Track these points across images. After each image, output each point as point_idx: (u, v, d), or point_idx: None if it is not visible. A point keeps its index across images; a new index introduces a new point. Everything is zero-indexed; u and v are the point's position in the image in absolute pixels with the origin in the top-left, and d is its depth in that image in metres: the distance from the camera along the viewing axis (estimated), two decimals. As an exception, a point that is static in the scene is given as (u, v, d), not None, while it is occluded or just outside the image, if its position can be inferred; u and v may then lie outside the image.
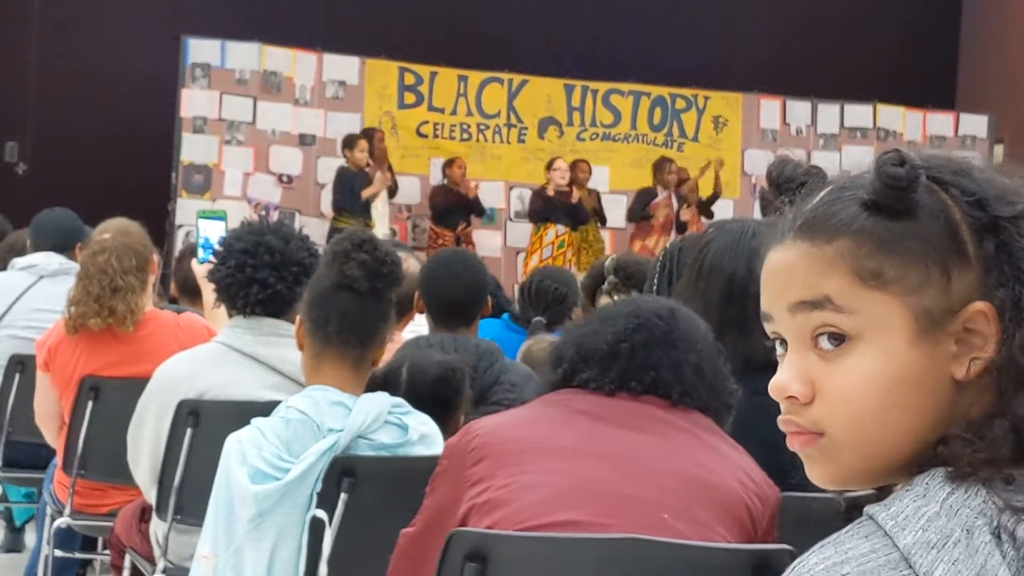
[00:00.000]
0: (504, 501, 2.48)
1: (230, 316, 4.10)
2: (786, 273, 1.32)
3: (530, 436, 2.58)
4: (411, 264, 5.13)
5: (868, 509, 1.25)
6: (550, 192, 13.46)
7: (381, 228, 12.68)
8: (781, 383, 1.31)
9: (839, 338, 1.28)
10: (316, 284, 3.42)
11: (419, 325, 5.15)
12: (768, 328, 1.35)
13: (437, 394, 3.60)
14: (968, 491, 1.22)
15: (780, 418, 1.33)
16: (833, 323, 1.28)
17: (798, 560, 1.25)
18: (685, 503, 2.53)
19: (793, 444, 1.33)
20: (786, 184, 1.40)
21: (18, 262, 6.19)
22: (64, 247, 6.18)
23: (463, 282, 4.58)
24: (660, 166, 14.05)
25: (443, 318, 4.54)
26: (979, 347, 1.26)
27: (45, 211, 6.48)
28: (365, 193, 12.87)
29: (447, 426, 3.53)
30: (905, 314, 1.26)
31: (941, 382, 1.27)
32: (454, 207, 13.60)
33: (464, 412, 3.72)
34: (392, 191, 13.54)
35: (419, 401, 3.49)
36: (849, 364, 1.27)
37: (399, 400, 3.39)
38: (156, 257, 5.14)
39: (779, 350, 1.34)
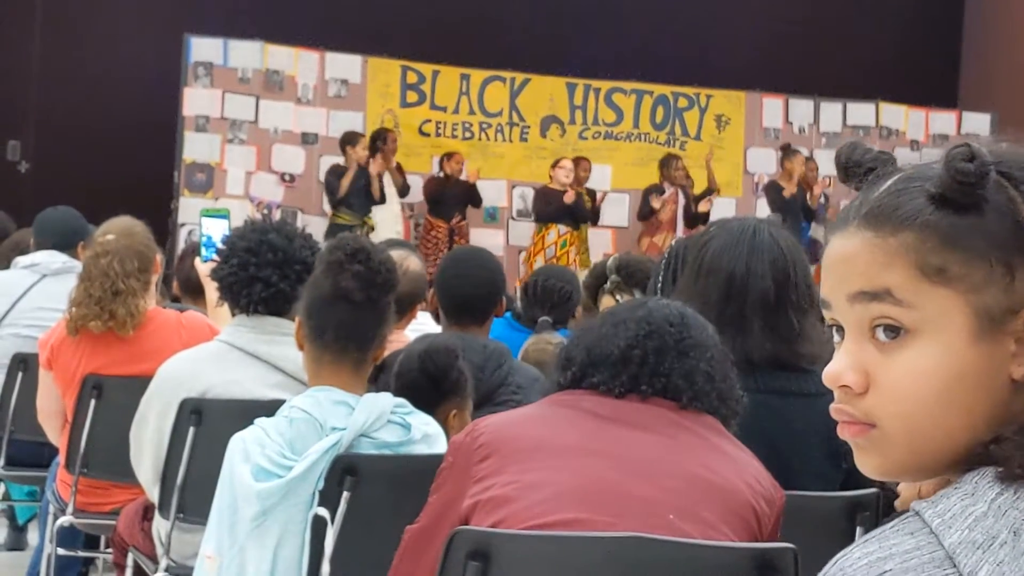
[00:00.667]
0: (510, 498, 2.48)
1: (233, 315, 4.10)
2: (848, 262, 1.30)
3: (536, 434, 2.59)
4: (412, 263, 5.13)
5: (915, 505, 1.23)
6: (554, 188, 13.44)
7: (390, 229, 12.65)
8: (836, 371, 1.30)
9: (896, 330, 1.27)
10: (312, 291, 3.42)
11: (421, 324, 5.15)
12: (826, 315, 1.34)
13: (422, 369, 3.62)
14: (1018, 493, 1.20)
15: (833, 406, 1.32)
16: (892, 316, 1.27)
17: (841, 553, 1.23)
18: (691, 504, 2.53)
19: (844, 433, 1.32)
20: (854, 169, 1.37)
21: (21, 260, 6.19)
22: (67, 246, 6.18)
23: (477, 281, 4.57)
24: (667, 162, 14.05)
25: (455, 316, 4.53)
26: None
27: (48, 210, 6.48)
28: (343, 183, 12.81)
29: (436, 408, 3.55)
30: (967, 311, 1.25)
31: (998, 381, 1.25)
32: (447, 197, 13.57)
33: (463, 408, 3.72)
34: (404, 191, 13.53)
35: (405, 378, 3.52)
36: (906, 358, 1.26)
37: (402, 400, 3.40)
38: (159, 257, 5.14)
39: (836, 338, 1.33)
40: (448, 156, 13.78)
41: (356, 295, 3.32)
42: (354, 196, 12.89)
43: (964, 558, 1.17)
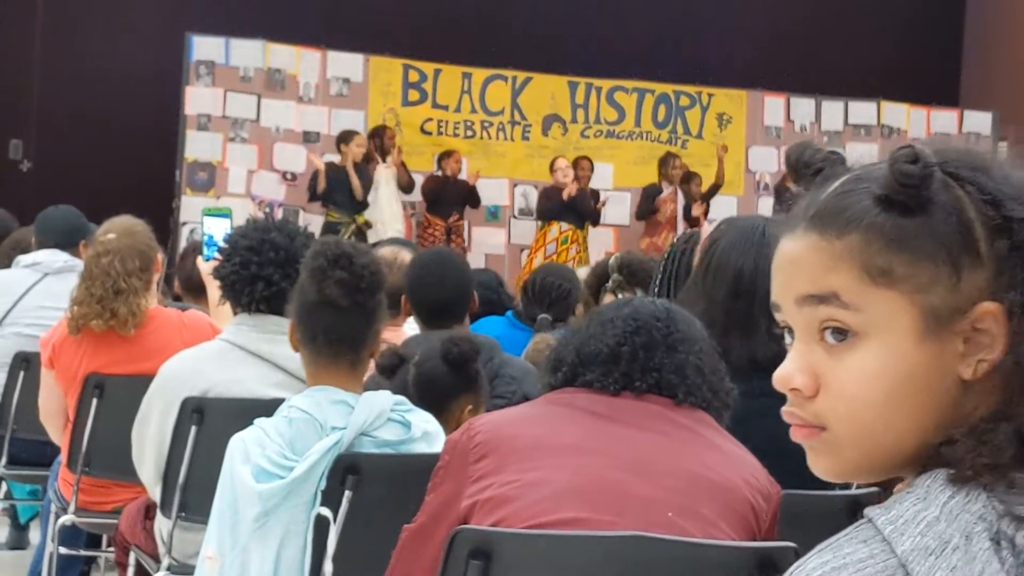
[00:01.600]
0: (509, 498, 2.48)
1: (235, 313, 4.10)
2: (795, 264, 1.30)
3: (534, 433, 2.59)
4: (404, 257, 5.17)
5: (868, 511, 1.23)
6: (573, 192, 13.44)
7: (391, 228, 12.65)
8: (786, 374, 1.30)
9: (844, 333, 1.27)
10: (299, 297, 3.42)
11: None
12: (777, 317, 1.34)
13: (446, 357, 3.65)
14: (969, 495, 1.19)
15: (784, 409, 1.32)
16: (839, 319, 1.26)
17: (797, 563, 1.23)
18: (690, 501, 2.53)
19: (796, 436, 1.32)
20: (803, 170, 1.37)
21: (23, 259, 6.20)
22: (68, 244, 6.18)
23: (448, 284, 4.61)
24: (665, 161, 14.06)
25: (433, 320, 4.57)
26: (987, 347, 1.24)
27: (49, 208, 6.48)
28: (320, 183, 12.84)
29: (454, 400, 3.56)
30: (913, 312, 1.24)
31: (947, 382, 1.25)
32: (444, 196, 13.56)
33: (478, 406, 3.73)
34: (407, 188, 13.53)
35: (427, 368, 3.54)
36: (854, 360, 1.26)
37: (401, 398, 3.40)
38: (160, 256, 5.14)
39: (787, 339, 1.33)
40: (447, 155, 13.77)
41: (342, 301, 3.32)
42: (339, 194, 12.88)
43: (917, 565, 1.16)
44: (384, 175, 13.18)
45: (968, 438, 1.22)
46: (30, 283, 6.03)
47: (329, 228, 12.31)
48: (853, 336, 1.26)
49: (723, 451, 2.65)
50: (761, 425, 3.21)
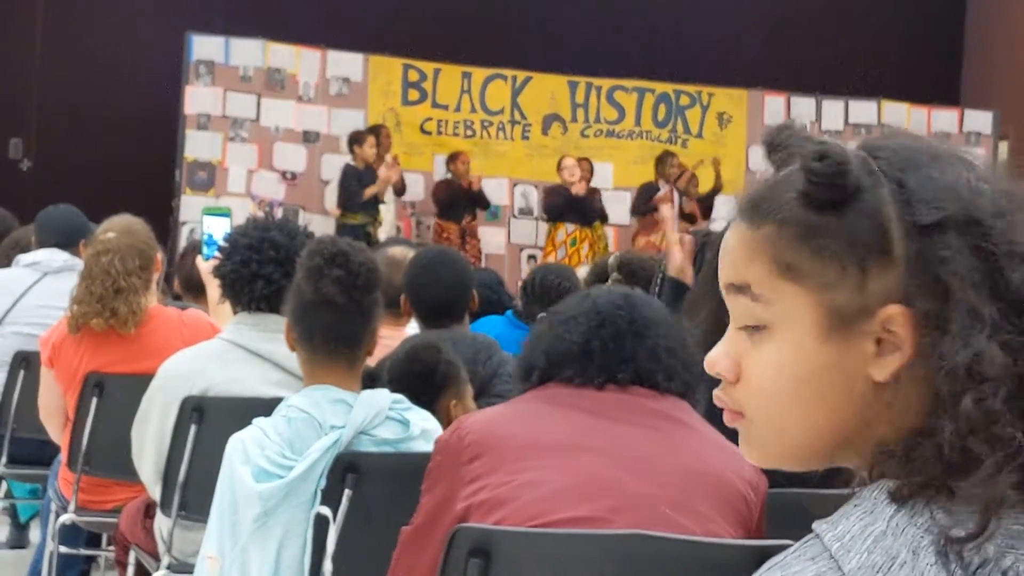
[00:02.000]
0: (505, 500, 2.48)
1: (235, 312, 4.10)
2: (726, 253, 1.29)
3: (525, 432, 2.58)
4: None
5: (816, 526, 1.22)
6: (581, 190, 13.43)
7: (389, 228, 12.66)
8: (712, 359, 1.30)
9: (758, 326, 1.26)
10: (296, 296, 3.42)
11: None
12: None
13: (407, 368, 3.64)
14: (915, 508, 1.17)
15: (714, 392, 1.31)
16: (752, 311, 1.26)
17: None
18: (685, 497, 2.54)
19: (725, 419, 1.31)
20: (771, 152, 1.33)
21: (23, 259, 6.19)
22: (68, 244, 6.17)
23: (447, 283, 4.60)
24: (662, 160, 14.04)
25: (433, 319, 4.56)
26: (898, 350, 1.21)
27: (49, 207, 6.47)
28: (368, 192, 12.86)
29: (434, 404, 3.56)
30: (817, 310, 1.22)
31: (856, 382, 1.22)
32: (458, 201, 13.58)
33: (462, 396, 3.72)
34: (400, 189, 13.54)
35: (393, 373, 3.54)
36: (764, 352, 1.25)
37: (399, 396, 3.40)
38: (160, 255, 5.14)
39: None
40: (454, 157, 13.76)
41: (338, 299, 3.32)
42: (359, 196, 12.89)
43: None
44: (381, 172, 13.16)
45: (897, 454, 1.20)
46: (30, 282, 6.03)
47: (348, 232, 12.18)
48: (764, 328, 1.25)
49: (713, 443, 2.66)
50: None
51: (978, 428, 1.16)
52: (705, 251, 3.65)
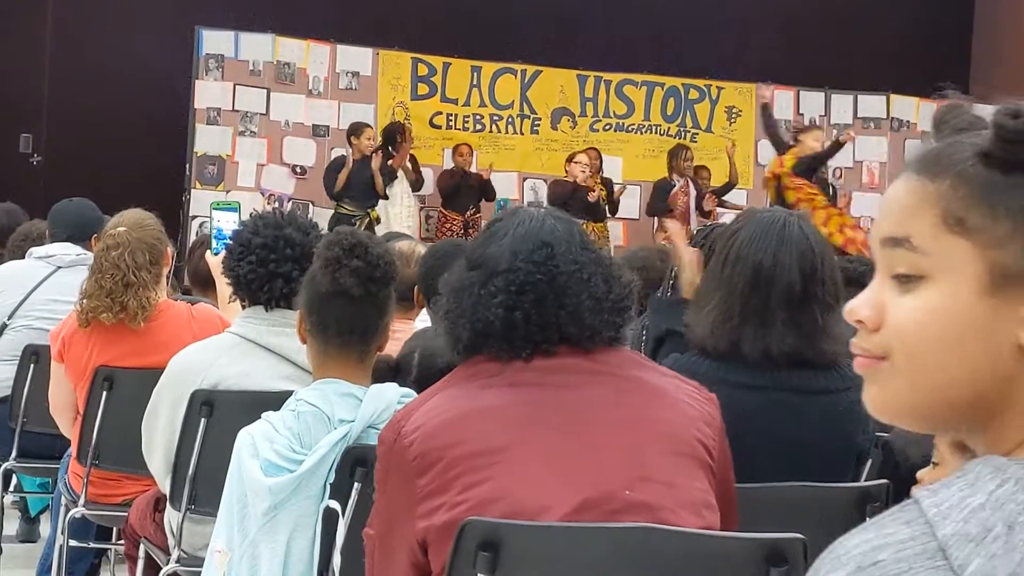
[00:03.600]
0: (463, 521, 2.44)
1: (243, 307, 4.11)
2: (888, 205, 1.31)
3: (469, 436, 2.50)
4: (420, 252, 5.15)
5: (916, 492, 1.22)
6: (567, 180, 13.39)
7: (403, 224, 12.63)
8: (853, 306, 1.32)
9: (911, 277, 1.28)
10: (311, 287, 3.41)
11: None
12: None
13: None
14: (1018, 484, 1.17)
15: (851, 341, 1.33)
16: (908, 259, 1.28)
17: (842, 538, 1.22)
18: (645, 464, 2.50)
19: (857, 366, 1.32)
20: (938, 127, 1.36)
21: (36, 251, 6.19)
22: (81, 238, 6.16)
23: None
24: (675, 153, 13.99)
25: None
26: None
27: (64, 201, 6.45)
28: (340, 177, 12.75)
29: None
30: (981, 265, 1.24)
31: (1004, 344, 1.23)
32: (462, 189, 13.55)
33: None
34: (416, 185, 13.53)
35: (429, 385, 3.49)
36: (917, 298, 1.27)
37: (408, 390, 3.40)
38: (170, 249, 5.15)
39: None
40: (456, 148, 13.78)
41: (355, 290, 3.32)
42: (356, 187, 12.85)
43: (956, 551, 1.15)
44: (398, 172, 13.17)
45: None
46: (42, 276, 6.03)
47: (340, 220, 12.21)
48: (920, 279, 1.27)
49: (656, 391, 2.61)
50: (771, 418, 3.22)
51: None
52: (714, 244, 3.64)
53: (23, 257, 6.29)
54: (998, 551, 1.14)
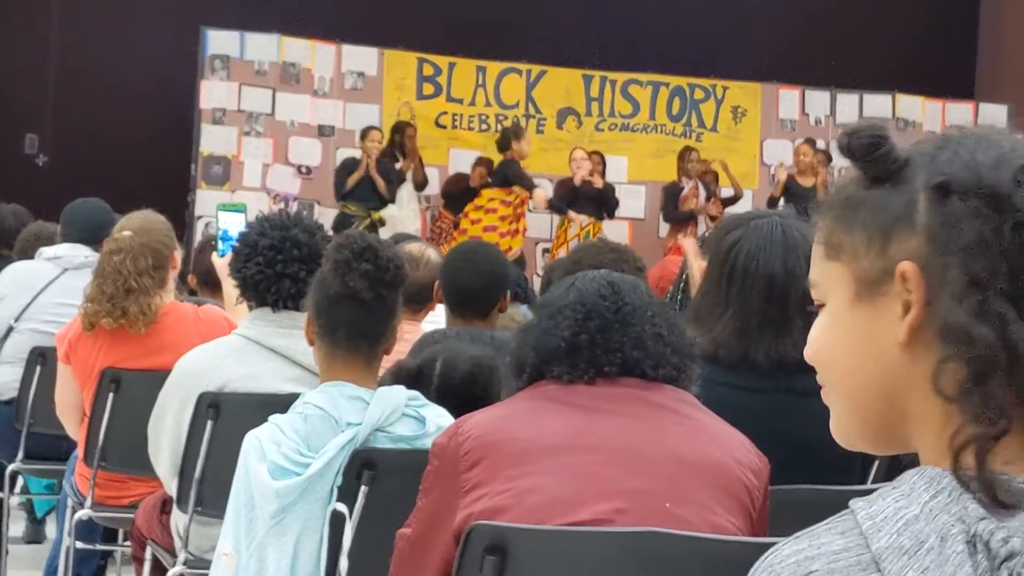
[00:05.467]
0: (504, 508, 2.47)
1: (250, 309, 4.11)
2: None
3: (522, 436, 2.57)
4: (430, 254, 5.14)
5: (852, 503, 1.23)
6: (576, 182, 13.39)
7: (409, 226, 12.62)
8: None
9: (819, 306, 1.35)
10: (320, 288, 3.41)
11: (439, 315, 5.16)
12: None
13: (467, 391, 3.58)
14: (951, 496, 1.18)
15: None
16: (815, 296, 1.35)
17: (774, 547, 1.23)
18: (683, 488, 2.54)
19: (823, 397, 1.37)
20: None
21: (45, 251, 6.18)
22: (92, 240, 6.09)
23: (481, 273, 4.57)
24: (684, 155, 14.00)
25: (459, 308, 4.54)
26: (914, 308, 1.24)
27: (78, 201, 6.37)
28: (351, 179, 12.78)
29: None
30: (849, 277, 1.29)
31: (887, 345, 1.26)
32: (463, 196, 13.53)
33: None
34: (421, 184, 13.52)
35: (450, 396, 3.49)
36: (817, 322, 1.35)
37: (415, 393, 3.40)
38: (177, 253, 5.12)
39: None
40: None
41: (365, 294, 3.33)
42: (363, 189, 12.86)
43: (889, 564, 1.15)
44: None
45: (977, 445, 1.20)
46: (50, 278, 6.03)
47: (343, 221, 12.24)
48: (822, 307, 1.35)
49: (709, 430, 2.66)
50: (778, 420, 3.22)
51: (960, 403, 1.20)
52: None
53: (31, 257, 6.27)
54: (931, 563, 1.14)
